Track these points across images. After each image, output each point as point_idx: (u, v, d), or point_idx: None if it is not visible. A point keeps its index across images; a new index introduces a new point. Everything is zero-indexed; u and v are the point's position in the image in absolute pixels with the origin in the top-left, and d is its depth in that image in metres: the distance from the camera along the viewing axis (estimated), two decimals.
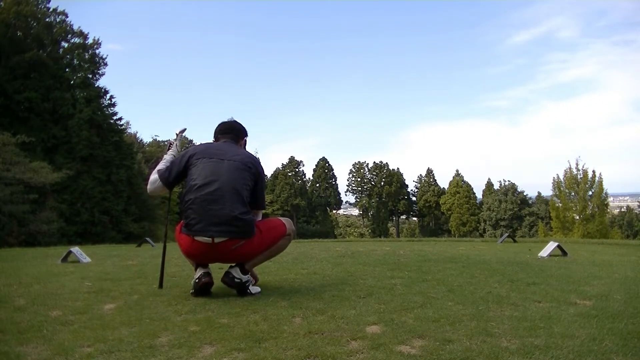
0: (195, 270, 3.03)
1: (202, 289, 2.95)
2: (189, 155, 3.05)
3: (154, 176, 3.13)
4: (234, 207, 2.86)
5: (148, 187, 3.17)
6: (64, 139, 25.84)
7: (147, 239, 10.09)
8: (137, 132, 45.67)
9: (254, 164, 3.06)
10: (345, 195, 66.57)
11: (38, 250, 9.03)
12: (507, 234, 10.55)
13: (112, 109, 29.39)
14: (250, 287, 2.98)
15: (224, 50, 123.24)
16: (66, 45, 28.81)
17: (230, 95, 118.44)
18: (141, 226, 27.82)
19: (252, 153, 3.29)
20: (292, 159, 60.38)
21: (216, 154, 3.00)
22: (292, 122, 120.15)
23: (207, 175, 2.91)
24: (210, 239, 2.86)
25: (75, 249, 5.72)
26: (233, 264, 2.99)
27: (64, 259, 5.54)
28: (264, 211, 3.25)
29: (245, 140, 3.32)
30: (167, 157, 3.25)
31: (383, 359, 1.83)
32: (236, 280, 2.92)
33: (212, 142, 3.23)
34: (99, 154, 26.40)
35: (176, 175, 3.07)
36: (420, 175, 65.32)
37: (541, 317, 2.40)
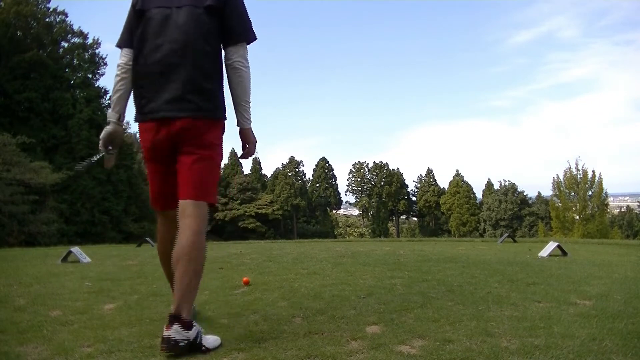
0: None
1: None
2: (137, 8, 2.25)
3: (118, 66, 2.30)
4: (193, 74, 2.16)
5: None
6: (64, 139, 25.84)
7: (147, 239, 10.09)
8: (137, 132, 45.58)
9: None
10: (345, 195, 66.62)
11: (38, 250, 9.03)
12: (507, 234, 10.55)
13: None
14: (204, 340, 2.04)
15: None
16: (66, 45, 28.84)
17: (229, 95, 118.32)
18: (141, 226, 27.82)
19: None
20: (292, 159, 60.39)
21: (165, 1, 2.22)
22: (292, 122, 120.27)
23: (155, 34, 2.19)
24: (158, 120, 2.15)
25: (75, 249, 5.72)
26: (169, 324, 2.00)
27: (64, 259, 5.55)
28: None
29: None
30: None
31: (383, 359, 1.83)
32: (181, 343, 1.97)
33: None
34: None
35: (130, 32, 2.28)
36: (420, 175, 65.34)
37: (541, 317, 2.40)
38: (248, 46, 2.30)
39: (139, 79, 2.22)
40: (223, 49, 2.27)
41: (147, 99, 2.18)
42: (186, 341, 1.98)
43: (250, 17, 2.32)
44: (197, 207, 2.15)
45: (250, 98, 2.34)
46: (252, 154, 2.46)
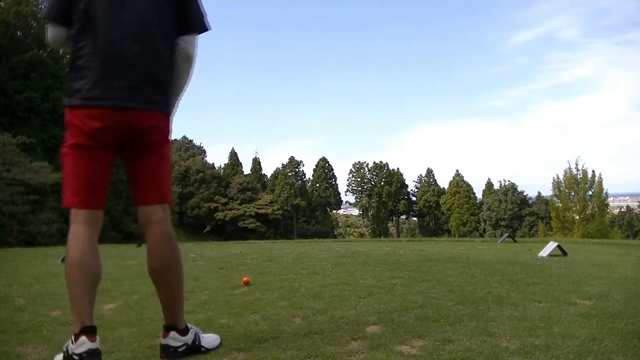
0: (78, 328, 1.79)
1: None
2: None
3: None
4: (152, 63, 1.97)
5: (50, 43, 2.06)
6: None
7: None
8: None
9: None
10: (345, 195, 66.65)
11: (38, 250, 9.04)
12: (507, 234, 10.56)
13: None
14: (203, 341, 2.03)
15: (223, 50, 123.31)
16: None
17: (229, 95, 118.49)
18: None
19: None
20: (292, 159, 60.40)
21: None
22: (292, 122, 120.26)
23: (107, 12, 1.92)
24: (112, 109, 1.89)
25: None
26: (165, 332, 1.96)
27: (64, 259, 5.55)
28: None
29: None
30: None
31: (383, 359, 1.83)
32: (180, 349, 1.95)
33: None
34: None
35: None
36: (420, 175, 65.36)
37: (541, 317, 2.40)
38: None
39: (85, 60, 1.90)
40: (177, 36, 2.07)
41: (94, 82, 1.88)
42: (185, 346, 1.97)
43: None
44: (166, 211, 2.06)
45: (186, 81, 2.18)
46: None
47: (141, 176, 2.02)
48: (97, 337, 1.80)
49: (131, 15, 1.93)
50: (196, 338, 2.01)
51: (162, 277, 2.00)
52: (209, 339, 2.06)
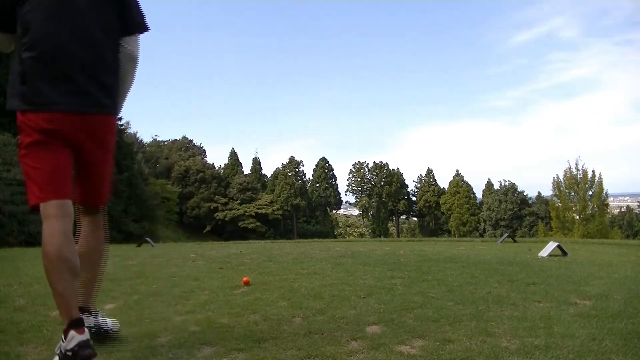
0: (67, 324, 1.80)
1: None
2: None
3: None
4: (94, 70, 1.97)
5: None
6: None
7: (147, 238, 10.09)
8: (137, 132, 45.69)
9: None
10: (345, 195, 66.63)
11: (38, 250, 9.00)
12: (507, 234, 10.56)
13: None
14: (106, 323, 2.14)
15: (223, 50, 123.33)
16: None
17: (230, 95, 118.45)
18: (141, 226, 27.81)
19: None
20: (292, 159, 60.39)
21: None
22: (292, 122, 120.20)
23: (51, 14, 1.91)
24: (62, 112, 1.89)
25: None
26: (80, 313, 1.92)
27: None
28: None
29: None
30: None
31: (383, 359, 1.83)
32: (93, 330, 2.04)
33: None
34: None
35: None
36: (420, 175, 65.34)
37: (541, 317, 2.40)
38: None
39: (29, 64, 1.89)
40: (121, 37, 2.08)
41: (41, 87, 1.89)
42: (96, 327, 2.09)
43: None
44: (103, 213, 2.21)
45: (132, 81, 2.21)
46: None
47: (87, 176, 2.08)
48: (86, 329, 1.81)
49: (74, 19, 1.93)
50: (102, 320, 2.14)
51: (95, 265, 2.17)
52: (110, 323, 2.18)
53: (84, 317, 1.93)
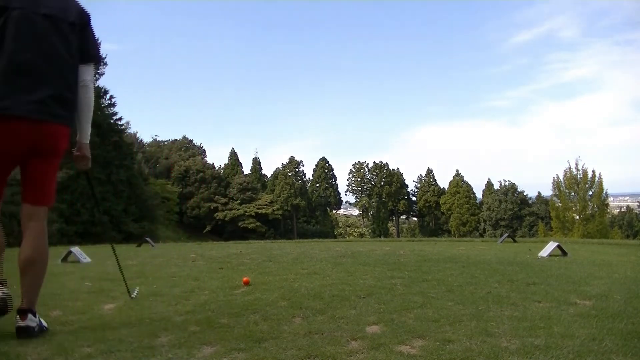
0: None
1: None
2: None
3: None
4: (54, 83, 2.26)
5: None
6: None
7: (147, 238, 10.08)
8: (137, 132, 45.67)
9: (75, 11, 2.37)
10: (345, 195, 66.63)
11: None
12: (507, 234, 10.55)
13: (112, 109, 29.39)
14: (31, 322, 2.29)
15: (223, 50, 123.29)
16: None
17: (230, 95, 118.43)
18: (141, 226, 27.83)
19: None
20: (292, 159, 60.40)
21: (29, 2, 2.26)
22: (292, 122, 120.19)
23: (19, 35, 2.21)
24: (17, 119, 2.16)
25: (75, 249, 5.72)
26: (24, 315, 2.25)
27: (64, 259, 5.55)
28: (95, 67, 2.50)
29: None
30: None
31: (383, 359, 1.83)
32: (36, 328, 2.26)
33: None
34: (99, 154, 26.38)
35: None
36: (420, 175, 65.33)
37: (541, 317, 2.40)
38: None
39: None
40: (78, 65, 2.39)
41: (3, 95, 2.15)
42: (38, 326, 2.30)
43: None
44: (46, 211, 2.42)
45: (91, 115, 2.50)
46: (87, 167, 2.59)
47: (33, 178, 2.36)
48: (30, 315, 2.24)
49: (41, 40, 2.24)
50: (38, 318, 2.35)
51: (32, 266, 2.44)
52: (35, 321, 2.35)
53: (29, 317, 2.27)
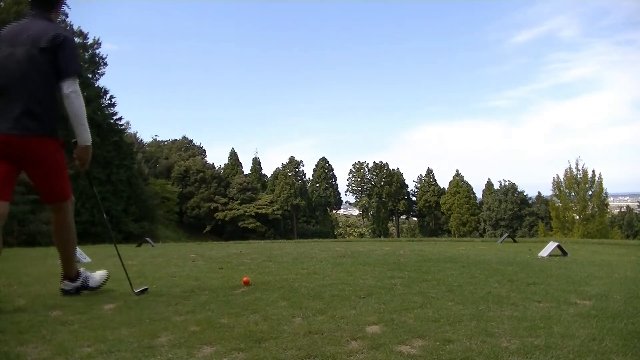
0: None
1: None
2: None
3: None
4: (24, 102, 2.75)
5: None
6: (64, 139, 25.81)
7: (147, 238, 10.08)
8: (137, 132, 45.68)
9: (47, 37, 2.80)
10: (345, 195, 66.63)
11: (38, 250, 9.03)
12: (507, 234, 10.55)
13: (112, 108, 29.43)
14: (90, 281, 3.18)
15: (223, 50, 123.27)
16: None
17: (230, 96, 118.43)
18: (141, 226, 27.84)
19: (57, 26, 2.97)
20: (292, 159, 60.38)
21: (11, 41, 2.81)
22: (292, 122, 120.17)
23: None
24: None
25: (76, 249, 5.72)
26: (63, 279, 3.13)
27: None
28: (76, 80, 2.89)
29: (58, 7, 3.05)
30: None
31: (383, 359, 1.83)
32: (71, 291, 3.10)
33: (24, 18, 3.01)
34: (99, 154, 26.39)
35: None
36: (420, 175, 65.32)
37: (541, 317, 2.40)
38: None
39: None
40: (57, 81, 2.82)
41: None
42: (74, 289, 3.12)
43: (76, 52, 2.95)
44: (62, 205, 3.06)
45: (85, 120, 2.90)
46: (85, 168, 3.08)
47: (34, 182, 2.92)
48: (65, 281, 3.11)
49: (3, 81, 2.77)
50: (84, 281, 3.16)
51: (58, 248, 3.12)
52: (96, 278, 3.24)
53: (65, 282, 3.13)
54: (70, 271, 3.12)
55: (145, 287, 3.27)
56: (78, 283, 3.13)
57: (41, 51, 2.78)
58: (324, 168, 63.14)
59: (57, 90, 2.83)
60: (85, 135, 2.92)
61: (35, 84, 2.78)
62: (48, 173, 2.90)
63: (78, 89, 2.87)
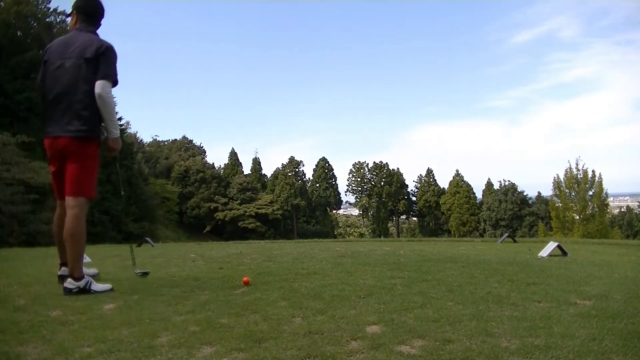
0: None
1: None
2: (43, 59, 3.38)
3: None
4: (71, 107, 3.18)
5: None
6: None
7: (147, 238, 10.07)
8: (137, 132, 45.71)
9: (92, 48, 3.21)
10: (345, 195, 66.61)
11: (38, 250, 9.02)
12: (507, 234, 10.55)
13: None
14: (93, 286, 3.22)
15: (223, 50, 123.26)
16: None
17: (230, 96, 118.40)
18: (141, 226, 27.84)
19: (99, 38, 3.35)
20: (292, 159, 60.37)
21: (60, 54, 3.28)
22: (292, 122, 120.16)
23: (49, 82, 3.27)
24: (51, 137, 3.24)
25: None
26: (66, 278, 3.26)
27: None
28: (112, 87, 3.27)
29: (99, 21, 3.48)
30: None
31: (383, 359, 1.83)
32: (74, 290, 3.16)
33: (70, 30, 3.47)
34: (99, 154, 26.37)
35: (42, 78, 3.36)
36: (420, 175, 65.30)
37: (541, 317, 2.40)
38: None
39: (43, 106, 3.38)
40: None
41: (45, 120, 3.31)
42: (77, 288, 3.16)
43: (115, 60, 3.29)
44: (76, 200, 3.23)
45: (115, 117, 3.35)
46: (112, 155, 3.45)
47: (70, 175, 3.24)
48: (69, 279, 3.19)
49: (58, 90, 3.23)
50: (87, 285, 3.20)
51: (66, 242, 3.21)
52: (99, 287, 3.24)
53: (68, 280, 3.19)
54: (76, 271, 3.20)
55: (147, 271, 3.45)
56: (81, 284, 3.18)
57: (87, 61, 3.19)
58: (324, 168, 63.12)
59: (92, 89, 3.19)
60: (115, 130, 3.33)
61: (82, 89, 3.18)
62: (85, 167, 3.24)
63: (109, 90, 3.22)
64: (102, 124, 3.30)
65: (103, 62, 3.21)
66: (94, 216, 25.19)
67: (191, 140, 62.79)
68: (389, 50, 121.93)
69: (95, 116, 3.22)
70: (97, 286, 3.23)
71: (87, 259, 5.59)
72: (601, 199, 29.24)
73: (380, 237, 52.48)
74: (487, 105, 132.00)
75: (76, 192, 3.20)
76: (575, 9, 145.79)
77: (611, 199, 40.46)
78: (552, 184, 30.84)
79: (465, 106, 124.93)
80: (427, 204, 61.69)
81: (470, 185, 59.18)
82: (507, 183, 56.87)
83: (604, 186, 29.22)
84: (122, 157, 28.12)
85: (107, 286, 3.27)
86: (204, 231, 47.41)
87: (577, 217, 29.14)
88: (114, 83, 3.26)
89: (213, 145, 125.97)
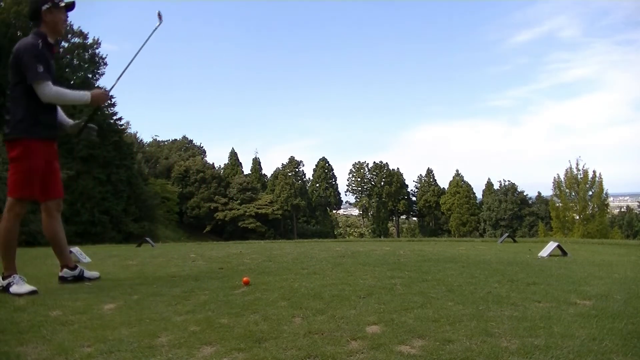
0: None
1: None
2: None
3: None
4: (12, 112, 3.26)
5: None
6: (64, 138, 25.84)
7: (147, 238, 10.06)
8: (137, 132, 45.69)
9: (12, 55, 3.26)
10: (345, 195, 66.64)
11: (38, 250, 9.02)
12: (507, 234, 10.55)
13: (112, 109, 29.43)
14: (86, 274, 3.55)
15: (223, 50, 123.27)
16: (66, 45, 28.82)
17: (230, 96, 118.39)
18: (141, 226, 27.84)
19: (31, 39, 3.30)
20: (292, 159, 60.39)
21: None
22: (292, 122, 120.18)
23: None
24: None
25: (76, 249, 5.72)
26: (61, 268, 3.55)
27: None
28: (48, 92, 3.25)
29: (44, 13, 3.34)
30: None
31: (383, 359, 1.83)
32: (69, 278, 3.45)
33: None
34: (99, 154, 26.43)
35: None
36: (420, 175, 65.33)
37: (541, 317, 2.40)
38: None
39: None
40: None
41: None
42: (72, 277, 3.52)
43: (33, 60, 3.18)
44: (56, 205, 3.53)
45: (71, 97, 3.39)
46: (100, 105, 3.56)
47: (54, 179, 3.54)
48: (64, 269, 3.59)
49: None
50: (81, 273, 3.57)
51: (52, 240, 3.55)
52: (90, 274, 3.63)
53: (64, 270, 3.59)
54: (67, 261, 3.55)
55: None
56: (76, 272, 3.52)
57: (11, 68, 3.30)
58: (324, 168, 63.14)
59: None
60: (81, 98, 3.37)
61: (8, 96, 3.37)
62: (12, 169, 3.33)
63: (45, 88, 3.22)
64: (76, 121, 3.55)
65: (23, 66, 3.20)
66: (95, 216, 25.22)
67: (191, 140, 62.82)
68: (389, 50, 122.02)
69: (15, 117, 3.24)
70: (88, 273, 3.61)
71: (87, 258, 5.59)
72: (601, 199, 29.24)
73: (380, 237, 52.49)
74: (487, 105, 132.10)
75: (7, 193, 3.33)
76: (575, 9, 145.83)
77: (611, 199, 40.45)
78: (552, 184, 30.86)
79: (465, 106, 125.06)
80: (427, 204, 61.70)
81: (470, 185, 59.23)
82: (507, 183, 56.94)
83: (604, 186, 29.26)
84: (122, 157, 28.16)
85: (96, 273, 3.68)
86: (204, 231, 47.42)
87: (577, 217, 29.14)
88: (41, 78, 3.17)
89: (213, 145, 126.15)
